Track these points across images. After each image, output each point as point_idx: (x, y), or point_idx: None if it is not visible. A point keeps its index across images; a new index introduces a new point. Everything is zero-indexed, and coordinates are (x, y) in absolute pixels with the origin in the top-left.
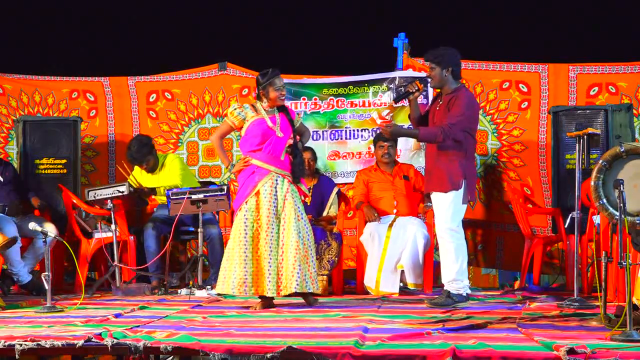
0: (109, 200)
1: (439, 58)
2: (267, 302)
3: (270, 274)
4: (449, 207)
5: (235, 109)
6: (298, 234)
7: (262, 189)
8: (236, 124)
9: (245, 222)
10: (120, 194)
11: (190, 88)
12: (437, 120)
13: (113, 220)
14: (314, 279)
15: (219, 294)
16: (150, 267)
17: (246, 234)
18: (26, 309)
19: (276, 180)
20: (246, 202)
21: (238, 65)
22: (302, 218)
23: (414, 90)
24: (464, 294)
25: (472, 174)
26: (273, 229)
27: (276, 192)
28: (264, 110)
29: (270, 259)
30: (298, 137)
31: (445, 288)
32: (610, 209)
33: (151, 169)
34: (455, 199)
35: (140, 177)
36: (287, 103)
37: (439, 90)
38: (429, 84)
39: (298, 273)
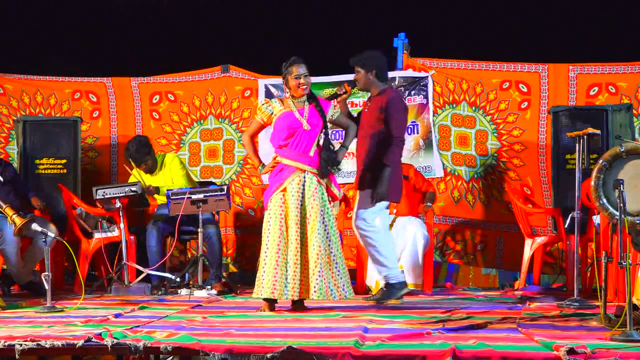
0: (117, 200)
1: (363, 61)
2: (273, 305)
3: (293, 276)
4: (368, 204)
5: (262, 104)
6: (321, 238)
7: (289, 187)
8: (265, 120)
9: (269, 221)
10: (133, 193)
11: (193, 90)
12: (366, 122)
13: (122, 219)
14: (339, 285)
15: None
16: (153, 266)
17: (269, 233)
18: (26, 309)
19: (304, 177)
20: (271, 199)
21: (240, 68)
22: (328, 221)
23: (341, 93)
24: (401, 280)
25: (396, 174)
26: (299, 229)
27: (304, 190)
28: (293, 103)
29: (297, 260)
30: (343, 130)
31: (383, 282)
32: (611, 209)
33: (150, 170)
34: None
35: (139, 177)
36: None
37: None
38: (356, 87)
39: (317, 279)
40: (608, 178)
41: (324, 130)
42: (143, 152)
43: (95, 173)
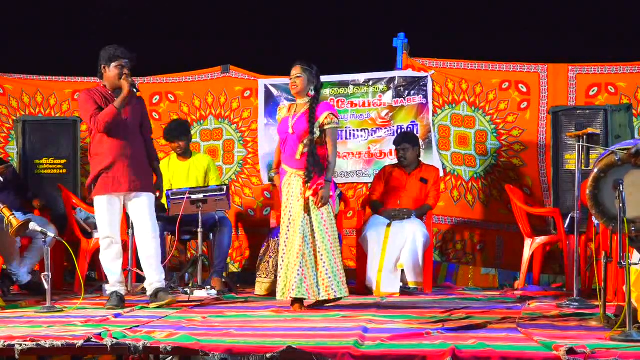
0: None
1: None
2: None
3: (279, 276)
4: (153, 209)
5: (277, 112)
6: (305, 238)
7: (284, 190)
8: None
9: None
10: None
11: (193, 90)
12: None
13: (131, 225)
14: (328, 284)
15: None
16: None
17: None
18: (26, 309)
19: (293, 180)
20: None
21: (240, 68)
22: (316, 221)
23: None
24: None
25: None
26: (288, 230)
27: (293, 192)
28: (297, 106)
29: (282, 261)
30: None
31: (160, 286)
32: (606, 217)
33: (183, 153)
34: None
35: (169, 163)
36: (287, 104)
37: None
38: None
39: (297, 277)
40: (604, 187)
41: (309, 136)
42: (181, 131)
43: None
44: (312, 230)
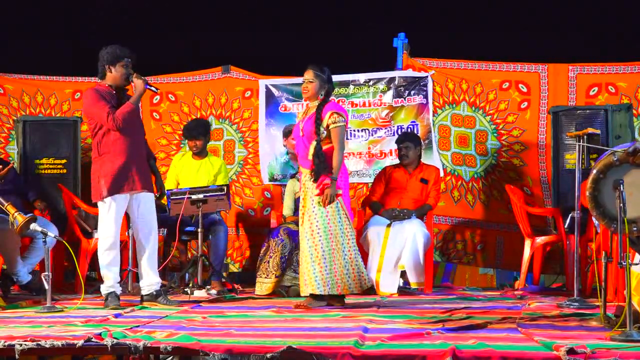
0: None
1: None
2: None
3: (299, 273)
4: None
5: (296, 116)
6: (306, 235)
7: (302, 189)
8: None
9: None
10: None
11: (194, 90)
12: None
13: (131, 225)
14: (325, 280)
15: None
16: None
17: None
18: (26, 309)
19: (307, 180)
20: None
21: (241, 68)
22: (314, 219)
23: None
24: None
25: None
26: (306, 231)
27: (307, 192)
28: (310, 109)
29: (301, 258)
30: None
31: (159, 288)
32: (607, 218)
33: (198, 153)
34: None
35: (182, 159)
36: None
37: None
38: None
39: (310, 274)
40: (603, 187)
41: (316, 137)
42: (200, 130)
43: None
44: (319, 227)
